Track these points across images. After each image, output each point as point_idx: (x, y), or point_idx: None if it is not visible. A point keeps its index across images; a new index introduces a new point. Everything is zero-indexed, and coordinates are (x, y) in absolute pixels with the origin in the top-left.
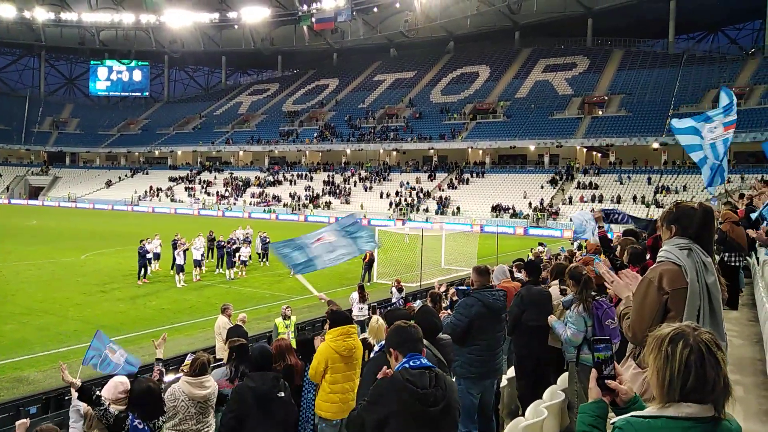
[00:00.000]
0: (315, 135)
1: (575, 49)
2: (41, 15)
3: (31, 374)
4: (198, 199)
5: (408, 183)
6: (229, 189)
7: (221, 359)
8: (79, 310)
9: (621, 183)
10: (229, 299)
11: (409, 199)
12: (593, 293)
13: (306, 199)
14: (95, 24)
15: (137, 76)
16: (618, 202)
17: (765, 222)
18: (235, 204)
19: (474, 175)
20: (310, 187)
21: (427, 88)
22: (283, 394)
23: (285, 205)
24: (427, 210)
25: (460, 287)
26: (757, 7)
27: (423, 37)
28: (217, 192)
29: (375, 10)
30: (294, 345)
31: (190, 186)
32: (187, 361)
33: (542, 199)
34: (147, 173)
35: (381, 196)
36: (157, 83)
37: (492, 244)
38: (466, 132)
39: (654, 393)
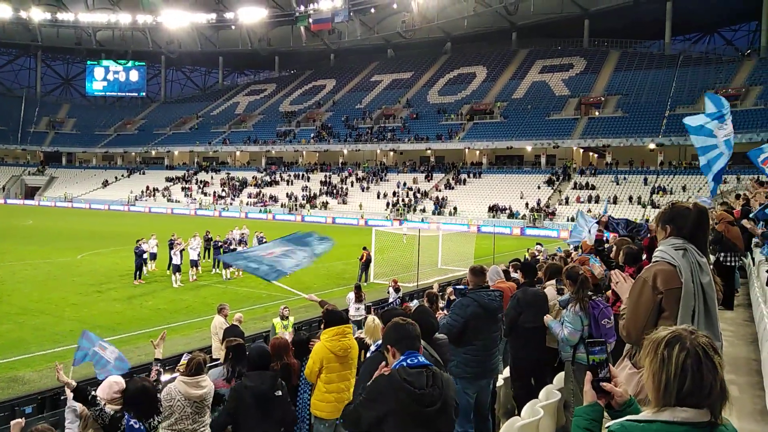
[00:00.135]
0: (312, 135)
1: (572, 50)
2: (38, 15)
3: (27, 374)
4: (195, 199)
5: (405, 183)
6: (226, 189)
7: (218, 359)
8: (75, 310)
9: (617, 183)
10: (226, 299)
11: (406, 200)
12: (589, 293)
13: (303, 199)
14: (92, 24)
15: (134, 76)
16: (614, 202)
17: (760, 224)
18: (231, 204)
19: (471, 175)
20: (307, 187)
21: (424, 89)
22: (280, 393)
23: (282, 205)
24: (424, 210)
25: (457, 287)
26: (753, 9)
27: (420, 38)
28: (214, 192)
29: (372, 10)
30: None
31: (187, 186)
32: (183, 360)
33: (539, 200)
34: (144, 173)
35: (378, 197)
36: (153, 83)
37: (489, 244)
38: (463, 132)
39: (649, 397)
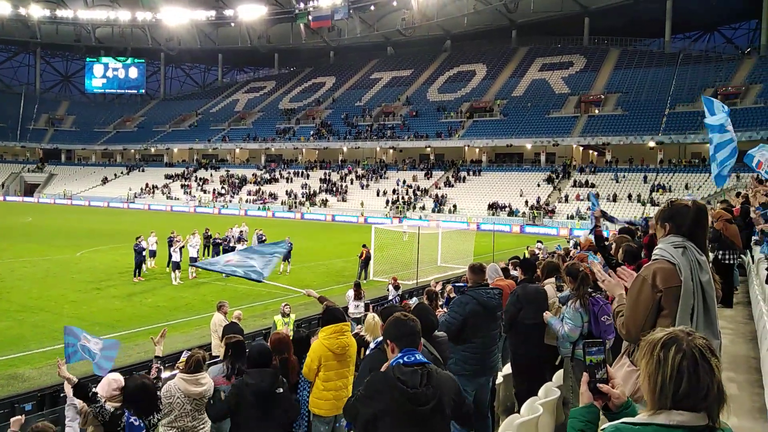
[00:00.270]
0: (312, 133)
1: (572, 48)
2: (37, 12)
3: (26, 371)
4: (194, 196)
5: (404, 181)
6: (226, 187)
7: (217, 356)
8: (75, 308)
9: (617, 181)
10: (225, 296)
11: (405, 197)
12: (589, 290)
13: (303, 196)
14: (91, 21)
15: (133, 73)
16: (614, 200)
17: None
18: (231, 202)
19: (470, 173)
20: (306, 184)
21: (424, 87)
22: (281, 391)
23: (282, 203)
24: (423, 208)
25: (456, 284)
26: (753, 7)
27: (420, 36)
28: (214, 189)
29: (372, 8)
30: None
31: (186, 183)
32: (183, 358)
33: (539, 198)
34: (143, 170)
35: (378, 194)
36: (153, 81)
37: (488, 242)
38: (462, 130)
39: (645, 399)
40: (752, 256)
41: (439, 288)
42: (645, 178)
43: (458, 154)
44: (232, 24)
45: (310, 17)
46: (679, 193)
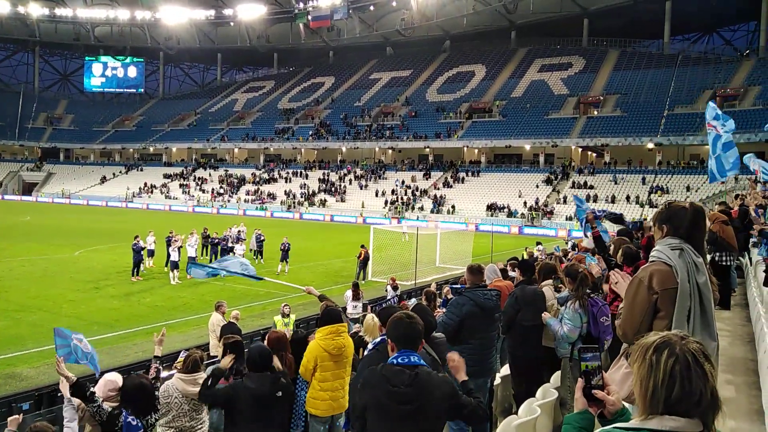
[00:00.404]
0: (310, 133)
1: (571, 49)
2: (36, 10)
3: (24, 370)
4: (193, 196)
5: (403, 181)
6: (224, 186)
7: (215, 356)
8: (73, 307)
9: (615, 183)
10: (224, 296)
11: (404, 198)
12: (588, 291)
13: (301, 196)
14: (90, 20)
15: (132, 72)
16: (612, 201)
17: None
18: (229, 201)
19: (469, 173)
20: (305, 184)
21: (423, 87)
22: (281, 394)
23: (282, 202)
24: (422, 208)
25: (454, 286)
26: (752, 9)
27: (419, 36)
28: (212, 189)
29: (371, 8)
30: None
31: (185, 183)
32: (181, 358)
33: (537, 199)
34: (141, 170)
35: (376, 195)
36: (152, 80)
37: (487, 242)
38: (461, 131)
39: (637, 404)
40: (750, 258)
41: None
42: (643, 179)
43: (457, 155)
44: (232, 23)
45: (310, 17)
46: (677, 194)
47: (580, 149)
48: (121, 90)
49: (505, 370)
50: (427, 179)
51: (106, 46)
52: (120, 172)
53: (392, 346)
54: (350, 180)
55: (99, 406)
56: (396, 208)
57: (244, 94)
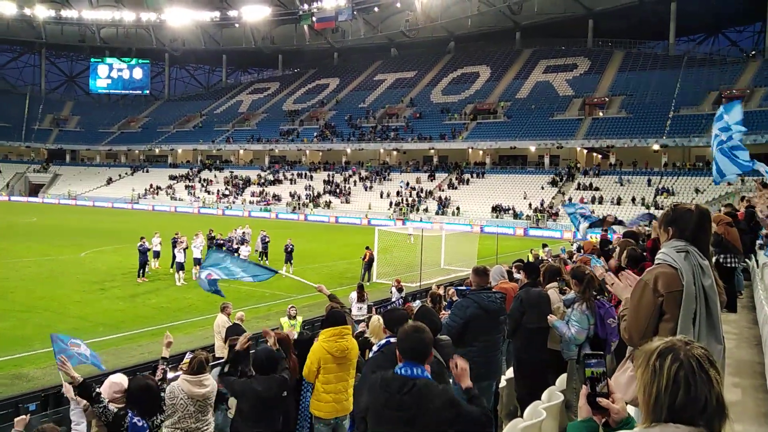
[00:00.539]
0: (315, 134)
1: (576, 50)
2: (42, 12)
3: (31, 371)
4: (198, 197)
5: (408, 183)
6: (230, 188)
7: (221, 357)
8: (79, 308)
9: (621, 184)
10: (229, 298)
11: (409, 199)
12: (594, 293)
13: (306, 198)
14: (96, 21)
15: (138, 74)
16: (618, 203)
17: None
18: (234, 203)
19: (474, 175)
20: (310, 186)
21: (428, 88)
22: (286, 394)
23: (287, 204)
24: (426, 210)
25: (459, 288)
26: (758, 10)
27: (424, 37)
28: (218, 191)
29: (376, 9)
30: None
31: (191, 184)
32: (186, 359)
33: (542, 200)
34: (147, 171)
35: (381, 196)
36: (157, 81)
37: (492, 244)
38: (466, 132)
39: (641, 411)
40: (757, 261)
41: (441, 291)
42: (649, 181)
43: (462, 156)
44: (236, 25)
45: (314, 18)
46: (683, 196)
47: (585, 151)
48: (127, 91)
49: (511, 372)
50: (431, 181)
51: (111, 47)
52: (126, 173)
53: (399, 357)
54: (355, 181)
55: (105, 406)
56: (401, 209)
57: (249, 95)
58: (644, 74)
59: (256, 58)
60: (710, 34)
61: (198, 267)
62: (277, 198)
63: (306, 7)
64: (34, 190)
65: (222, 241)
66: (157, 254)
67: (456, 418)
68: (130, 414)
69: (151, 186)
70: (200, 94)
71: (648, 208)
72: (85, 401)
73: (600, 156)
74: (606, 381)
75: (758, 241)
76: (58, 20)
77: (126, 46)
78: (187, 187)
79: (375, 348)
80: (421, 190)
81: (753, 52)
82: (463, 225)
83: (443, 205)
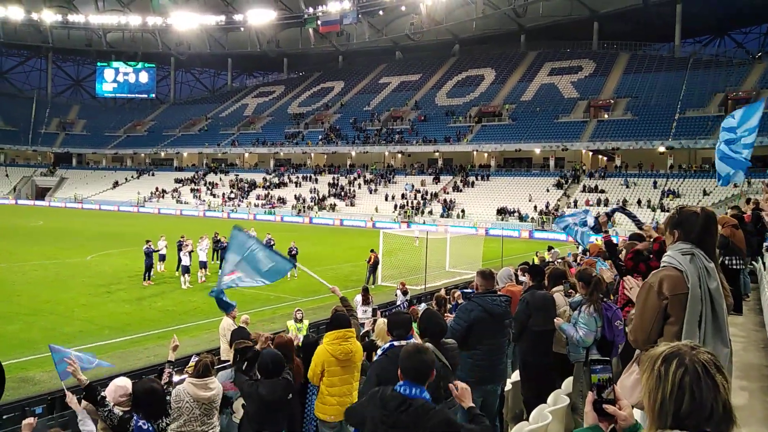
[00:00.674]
0: (320, 137)
1: (581, 53)
2: (49, 17)
3: (37, 374)
4: (203, 200)
5: (413, 185)
6: (235, 191)
7: (226, 361)
8: (85, 311)
9: (627, 187)
10: (234, 300)
11: (414, 202)
12: (601, 295)
13: (311, 201)
14: (102, 26)
15: (143, 77)
16: (624, 205)
17: None
18: (240, 206)
19: (479, 177)
20: (315, 189)
21: (433, 91)
22: (291, 396)
23: (293, 207)
24: (431, 213)
25: (465, 290)
26: (763, 11)
27: (428, 40)
28: (223, 194)
29: (380, 13)
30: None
31: (196, 188)
32: (192, 362)
33: (548, 203)
34: (153, 175)
35: (386, 199)
36: (163, 85)
37: (497, 247)
38: (471, 135)
39: (647, 417)
40: (764, 263)
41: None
42: (655, 183)
43: (467, 159)
44: (242, 29)
45: (319, 22)
46: (689, 198)
47: (590, 153)
48: (133, 95)
49: (516, 375)
50: (436, 183)
51: (117, 51)
52: (132, 176)
53: (400, 375)
54: (359, 184)
55: (110, 410)
56: (405, 212)
57: (254, 99)
58: (650, 76)
59: (262, 61)
60: (716, 35)
61: (204, 270)
62: (282, 201)
63: (311, 10)
64: (41, 193)
65: (225, 244)
66: (162, 257)
67: None
68: (135, 417)
69: (156, 189)
70: (206, 98)
71: (654, 210)
72: (88, 404)
73: (605, 158)
74: (612, 387)
75: (765, 244)
76: (64, 25)
77: (132, 50)
78: (192, 190)
79: (379, 351)
80: (426, 193)
81: (759, 54)
82: (468, 227)
83: (448, 207)
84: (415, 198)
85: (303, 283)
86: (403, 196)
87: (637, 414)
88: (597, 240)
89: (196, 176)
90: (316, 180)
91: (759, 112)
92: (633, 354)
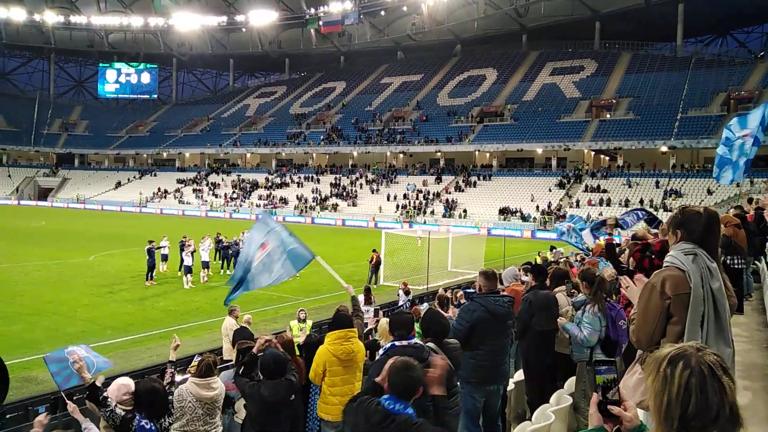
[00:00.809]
0: (322, 137)
1: (583, 53)
2: (51, 18)
3: (40, 374)
4: (205, 201)
5: (415, 185)
6: (237, 191)
7: (229, 360)
8: (87, 311)
9: (629, 186)
10: (237, 300)
11: (416, 202)
12: (605, 294)
13: (313, 201)
14: (104, 27)
15: (146, 78)
16: (626, 205)
17: None
18: (242, 206)
19: (481, 177)
20: (317, 189)
21: (434, 91)
22: (294, 397)
23: (294, 207)
24: (433, 213)
25: (467, 290)
26: (766, 11)
27: (430, 40)
28: (225, 194)
29: (382, 13)
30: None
31: (198, 188)
32: (195, 362)
33: (550, 203)
34: (155, 175)
35: (388, 199)
36: (165, 86)
37: (499, 247)
38: (473, 135)
39: (652, 419)
40: (767, 263)
41: (449, 294)
42: (657, 183)
43: (469, 159)
44: (244, 29)
45: (321, 22)
46: (692, 197)
47: (592, 153)
48: (135, 96)
49: (519, 375)
50: (438, 183)
51: (119, 52)
52: (134, 177)
53: (386, 388)
54: (361, 184)
55: (112, 410)
56: (407, 212)
57: (256, 99)
58: (651, 76)
59: (263, 62)
60: (718, 35)
61: (206, 270)
62: (284, 201)
63: (313, 11)
64: (43, 194)
65: (228, 244)
66: (165, 257)
67: None
68: (137, 417)
69: (159, 190)
70: (208, 98)
71: (656, 210)
72: (92, 403)
73: (607, 158)
74: (617, 388)
75: None
76: (67, 26)
77: (134, 51)
78: (194, 190)
79: (381, 351)
80: (428, 193)
81: (761, 53)
82: (470, 227)
83: (450, 207)
84: (417, 198)
85: (305, 283)
86: (405, 196)
87: (641, 414)
88: (600, 240)
89: (198, 176)
90: (318, 180)
91: (759, 112)
92: (636, 354)
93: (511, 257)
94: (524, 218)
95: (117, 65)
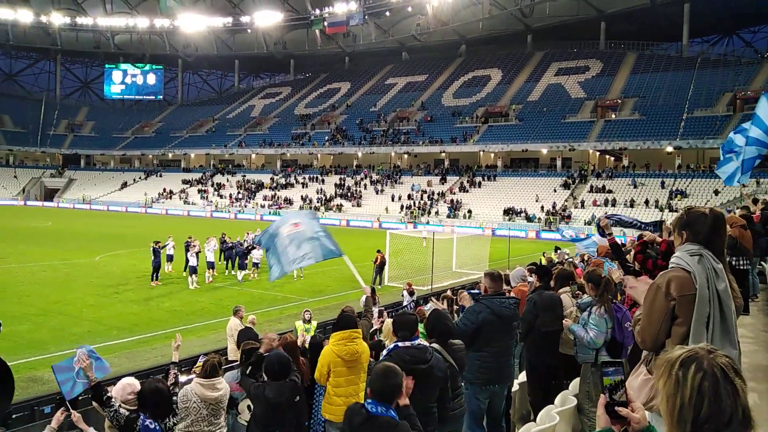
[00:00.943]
0: (327, 138)
1: (588, 53)
2: (57, 19)
3: (46, 374)
4: (211, 201)
5: (419, 186)
6: (242, 191)
7: (234, 361)
8: (93, 311)
9: (634, 187)
10: (242, 301)
11: (420, 202)
12: (611, 296)
13: (318, 201)
14: (110, 28)
15: (151, 79)
16: (631, 206)
17: None
18: (247, 207)
19: (486, 178)
20: (321, 189)
21: (439, 92)
22: (299, 398)
23: (299, 207)
24: (438, 213)
25: (471, 291)
26: None
27: (435, 41)
28: (230, 195)
29: (387, 14)
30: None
31: (203, 188)
32: (200, 362)
33: (554, 203)
34: (161, 176)
35: (392, 199)
36: (170, 87)
37: (504, 247)
38: (477, 135)
39: (664, 423)
40: None
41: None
42: (663, 183)
43: (473, 159)
44: (249, 30)
45: (326, 23)
46: (697, 198)
47: (598, 153)
48: (141, 97)
49: (523, 376)
50: (443, 184)
51: (125, 53)
52: (139, 178)
53: (368, 392)
54: (366, 185)
55: (116, 410)
56: (412, 212)
57: (261, 100)
58: (657, 76)
59: (268, 63)
60: (724, 35)
61: (211, 270)
62: (288, 202)
63: (317, 12)
64: (50, 194)
65: (232, 244)
66: (170, 258)
67: None
68: (142, 417)
69: (164, 190)
70: (213, 99)
71: (662, 210)
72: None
73: (613, 158)
74: (625, 389)
75: None
76: (73, 27)
77: (140, 52)
78: (200, 191)
79: (384, 352)
80: (433, 193)
81: (767, 53)
82: (474, 228)
83: (454, 208)
84: (422, 198)
85: (309, 284)
86: (409, 197)
87: (647, 415)
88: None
89: (204, 177)
90: (323, 181)
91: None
92: (641, 355)
93: (515, 258)
94: (529, 219)
95: (123, 66)
